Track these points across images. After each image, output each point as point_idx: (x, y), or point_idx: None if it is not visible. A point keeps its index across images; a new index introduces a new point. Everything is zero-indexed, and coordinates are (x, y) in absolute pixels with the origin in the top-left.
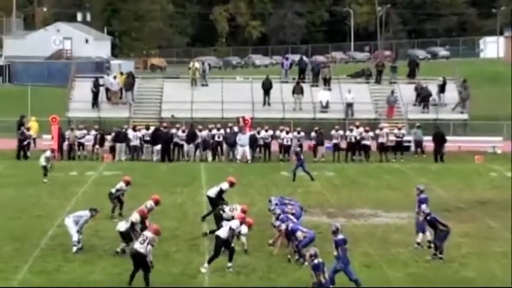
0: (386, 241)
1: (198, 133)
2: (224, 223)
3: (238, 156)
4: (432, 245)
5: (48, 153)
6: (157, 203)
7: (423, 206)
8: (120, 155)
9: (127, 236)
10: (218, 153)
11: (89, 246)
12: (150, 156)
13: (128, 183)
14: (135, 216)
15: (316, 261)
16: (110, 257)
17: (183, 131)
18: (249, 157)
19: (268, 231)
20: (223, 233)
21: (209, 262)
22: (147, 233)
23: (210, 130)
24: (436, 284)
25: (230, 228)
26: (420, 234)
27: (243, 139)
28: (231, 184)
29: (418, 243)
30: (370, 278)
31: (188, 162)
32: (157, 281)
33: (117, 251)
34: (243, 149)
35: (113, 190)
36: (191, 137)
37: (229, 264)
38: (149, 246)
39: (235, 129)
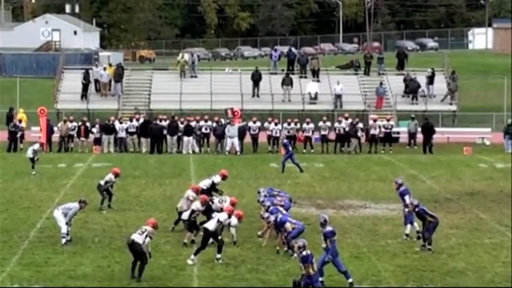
0: (376, 232)
1: (180, 125)
2: (214, 215)
3: (227, 148)
4: (421, 236)
5: (36, 146)
6: (197, 192)
7: (406, 198)
8: (109, 147)
9: (193, 225)
10: (204, 145)
11: (78, 239)
12: (135, 147)
13: (116, 175)
14: (195, 205)
15: (304, 252)
16: (98, 249)
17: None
18: (237, 148)
19: (256, 223)
20: (211, 225)
21: (195, 254)
22: (147, 227)
23: (197, 121)
24: (425, 275)
25: (218, 221)
26: (408, 226)
27: (231, 131)
28: (224, 177)
29: (407, 235)
30: (359, 269)
31: (178, 154)
32: (147, 273)
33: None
34: (231, 141)
35: (102, 182)
36: (173, 129)
37: (218, 256)
38: (147, 239)
39: (223, 121)
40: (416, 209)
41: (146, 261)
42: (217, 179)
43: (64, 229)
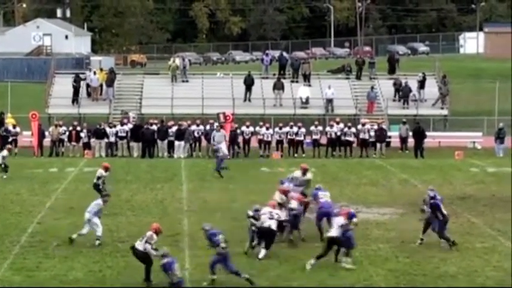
0: (367, 237)
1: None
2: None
3: (221, 153)
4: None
5: (4, 153)
6: (284, 192)
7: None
8: (100, 151)
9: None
10: (196, 149)
11: (69, 243)
12: (124, 152)
13: (106, 169)
14: (294, 204)
15: (165, 260)
16: (90, 254)
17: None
18: (226, 153)
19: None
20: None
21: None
22: (148, 232)
23: (189, 126)
24: (417, 279)
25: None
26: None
27: (217, 136)
28: (304, 171)
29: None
30: (351, 273)
31: (170, 158)
32: (138, 278)
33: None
34: (221, 146)
35: (95, 180)
36: (163, 134)
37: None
38: (147, 245)
39: (216, 125)
40: (432, 201)
41: (150, 264)
42: (297, 173)
43: (99, 232)
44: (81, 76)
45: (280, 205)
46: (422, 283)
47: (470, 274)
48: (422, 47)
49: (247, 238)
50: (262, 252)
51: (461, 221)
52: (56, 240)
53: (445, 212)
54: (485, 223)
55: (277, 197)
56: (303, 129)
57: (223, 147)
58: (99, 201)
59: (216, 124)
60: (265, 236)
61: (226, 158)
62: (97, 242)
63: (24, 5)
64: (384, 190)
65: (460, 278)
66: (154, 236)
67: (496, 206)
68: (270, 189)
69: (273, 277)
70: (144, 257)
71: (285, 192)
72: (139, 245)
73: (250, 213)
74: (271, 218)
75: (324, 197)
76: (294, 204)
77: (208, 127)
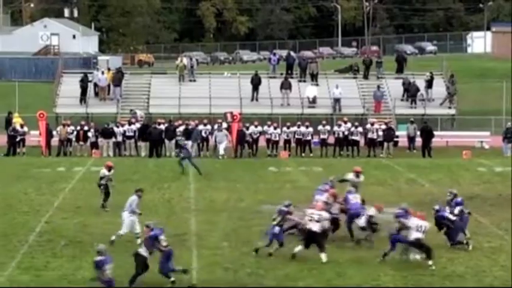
0: (375, 236)
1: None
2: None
3: (221, 152)
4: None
5: None
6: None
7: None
8: (108, 151)
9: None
10: (204, 149)
11: (77, 243)
12: (132, 151)
13: (109, 168)
14: (372, 210)
15: (98, 258)
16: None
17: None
18: (221, 152)
19: (256, 227)
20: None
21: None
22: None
23: (197, 125)
24: (424, 279)
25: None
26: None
27: (219, 136)
28: (357, 173)
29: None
30: (358, 273)
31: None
32: (148, 277)
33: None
34: (219, 146)
35: (99, 180)
36: (171, 133)
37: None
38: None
39: (224, 125)
40: (437, 214)
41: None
42: (350, 175)
43: (139, 229)
44: (89, 76)
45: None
46: (430, 283)
47: (478, 274)
48: (429, 47)
49: (254, 238)
50: (298, 248)
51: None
52: (64, 240)
53: (452, 217)
54: (492, 223)
55: (324, 198)
56: (310, 129)
57: (223, 147)
58: (134, 196)
59: (217, 125)
60: (308, 238)
61: (190, 156)
62: (138, 241)
63: (32, 5)
64: (391, 190)
65: (467, 278)
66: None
67: (503, 205)
68: (277, 189)
69: (280, 276)
70: (144, 263)
71: (334, 196)
72: (142, 251)
73: (285, 208)
74: (311, 220)
75: (354, 199)
76: (371, 211)
77: (216, 126)
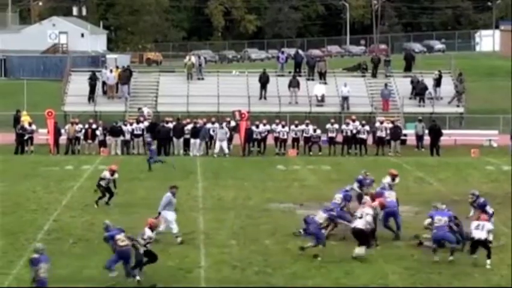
0: (383, 235)
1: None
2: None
3: (216, 150)
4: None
5: None
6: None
7: (488, 209)
8: (116, 149)
9: None
10: (212, 147)
11: (84, 241)
12: (140, 150)
13: (112, 172)
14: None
15: (36, 255)
16: (105, 252)
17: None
18: (226, 151)
19: (264, 225)
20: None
21: None
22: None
23: (205, 124)
24: (432, 278)
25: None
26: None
27: (220, 133)
28: (393, 176)
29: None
30: (366, 272)
31: (185, 156)
32: (154, 275)
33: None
34: (219, 144)
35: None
36: (179, 131)
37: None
38: (139, 238)
39: (232, 123)
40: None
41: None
42: (387, 179)
43: (175, 229)
44: (97, 74)
45: None
46: (438, 282)
47: (486, 273)
48: (438, 45)
49: (262, 236)
50: (357, 250)
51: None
52: (72, 238)
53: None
54: (500, 221)
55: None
56: (318, 131)
57: (224, 145)
58: (168, 193)
59: (218, 122)
60: (356, 236)
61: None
62: (178, 240)
63: (40, 3)
64: (399, 188)
65: (475, 277)
66: (147, 231)
67: (510, 204)
68: (285, 187)
69: (288, 275)
70: (150, 253)
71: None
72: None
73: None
74: (360, 218)
75: (390, 196)
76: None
77: (224, 125)
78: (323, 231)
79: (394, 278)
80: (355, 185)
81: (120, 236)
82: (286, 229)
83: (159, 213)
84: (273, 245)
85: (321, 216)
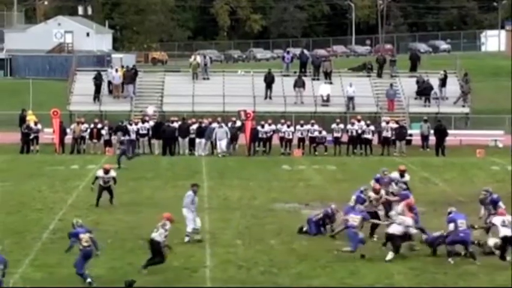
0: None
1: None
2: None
3: (219, 150)
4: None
5: None
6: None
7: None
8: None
9: None
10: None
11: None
12: (145, 149)
13: (105, 171)
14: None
15: None
16: (111, 251)
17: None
18: (224, 149)
19: (269, 225)
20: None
21: None
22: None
23: (210, 123)
24: (438, 278)
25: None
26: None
27: (220, 133)
28: (402, 172)
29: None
30: (372, 272)
31: (191, 156)
32: (160, 274)
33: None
34: (219, 143)
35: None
36: (184, 131)
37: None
38: (162, 230)
39: (238, 123)
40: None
41: (161, 261)
42: (395, 174)
43: (190, 227)
44: (103, 74)
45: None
46: (443, 282)
47: (491, 273)
48: (443, 45)
49: (268, 236)
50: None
51: (478, 220)
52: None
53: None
54: None
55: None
56: (323, 132)
57: (224, 144)
58: (189, 192)
59: (238, 122)
60: (389, 240)
61: (126, 152)
62: (198, 236)
63: (46, 3)
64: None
65: (481, 277)
66: (168, 223)
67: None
68: (290, 187)
69: (293, 275)
70: (158, 250)
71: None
72: (157, 236)
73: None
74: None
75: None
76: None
77: (229, 124)
78: (360, 234)
79: (400, 278)
80: (373, 183)
81: (84, 236)
82: (292, 229)
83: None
84: (279, 245)
85: (355, 218)
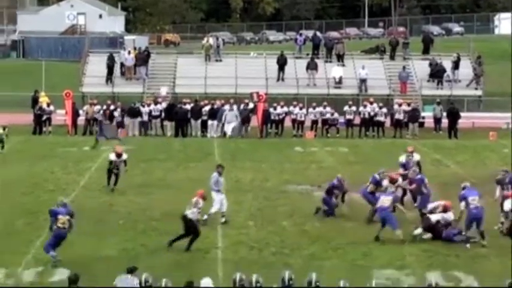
0: (400, 217)
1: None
2: None
3: (228, 132)
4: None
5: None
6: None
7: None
8: (134, 130)
9: None
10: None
11: (103, 221)
12: (158, 131)
13: (118, 154)
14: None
15: None
16: (122, 232)
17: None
18: (229, 133)
19: (281, 207)
20: None
21: None
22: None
23: (222, 105)
24: (449, 260)
25: None
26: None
27: (229, 115)
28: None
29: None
30: (384, 254)
31: (203, 137)
32: (171, 256)
33: None
34: (228, 125)
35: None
36: (197, 113)
37: None
38: (194, 209)
39: (250, 105)
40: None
41: (197, 236)
42: (402, 158)
43: (213, 209)
44: (115, 55)
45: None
46: (455, 264)
47: (502, 255)
48: (456, 28)
49: (280, 217)
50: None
51: (493, 201)
52: (90, 219)
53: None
54: None
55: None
56: (336, 115)
57: (231, 127)
58: (214, 173)
59: (228, 104)
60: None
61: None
62: (222, 220)
63: None
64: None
65: (492, 260)
66: (201, 201)
67: None
68: (303, 169)
69: (305, 256)
70: (193, 227)
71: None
72: (190, 214)
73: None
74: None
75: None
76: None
77: (242, 106)
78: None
79: (412, 260)
80: (400, 171)
81: (62, 218)
82: (304, 211)
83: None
84: (291, 227)
85: (386, 200)
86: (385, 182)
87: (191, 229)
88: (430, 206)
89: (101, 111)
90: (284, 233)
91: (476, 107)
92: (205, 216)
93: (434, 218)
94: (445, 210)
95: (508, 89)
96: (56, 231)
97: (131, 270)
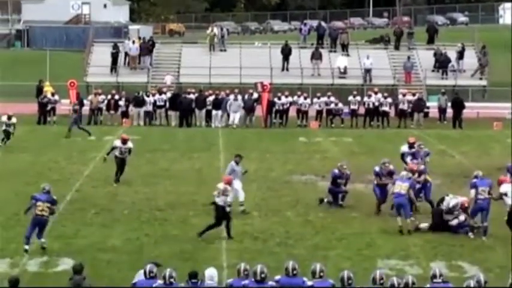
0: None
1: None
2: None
3: (232, 122)
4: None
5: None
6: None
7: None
8: (138, 120)
9: None
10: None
11: (107, 211)
12: (162, 121)
13: (124, 141)
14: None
15: None
16: (128, 222)
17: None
18: (236, 122)
19: (285, 197)
20: None
21: None
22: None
23: (227, 95)
24: (454, 250)
25: None
26: None
27: (234, 106)
28: (411, 144)
29: None
30: (387, 243)
31: (207, 127)
32: (176, 246)
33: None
34: (234, 115)
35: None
36: (201, 103)
37: None
38: (223, 197)
39: (255, 95)
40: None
41: (229, 219)
42: (404, 147)
43: (242, 197)
44: (120, 45)
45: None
46: (460, 254)
47: (507, 245)
48: (461, 17)
49: (284, 208)
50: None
51: (498, 191)
52: (95, 208)
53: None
54: None
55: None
56: (340, 105)
57: (237, 116)
58: (232, 162)
59: (233, 95)
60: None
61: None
62: (241, 208)
63: None
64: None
65: (497, 250)
66: (229, 188)
67: None
68: (307, 159)
69: (309, 246)
70: (223, 212)
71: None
72: (219, 201)
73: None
74: None
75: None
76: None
77: (246, 96)
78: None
79: (416, 250)
80: (408, 159)
81: (41, 204)
82: (308, 201)
83: None
84: (295, 217)
85: (404, 186)
86: (404, 172)
87: (225, 216)
88: (449, 203)
89: (76, 107)
90: (288, 223)
91: (480, 97)
92: (242, 208)
93: (454, 222)
94: (464, 209)
95: None
96: (34, 218)
97: (14, 284)
